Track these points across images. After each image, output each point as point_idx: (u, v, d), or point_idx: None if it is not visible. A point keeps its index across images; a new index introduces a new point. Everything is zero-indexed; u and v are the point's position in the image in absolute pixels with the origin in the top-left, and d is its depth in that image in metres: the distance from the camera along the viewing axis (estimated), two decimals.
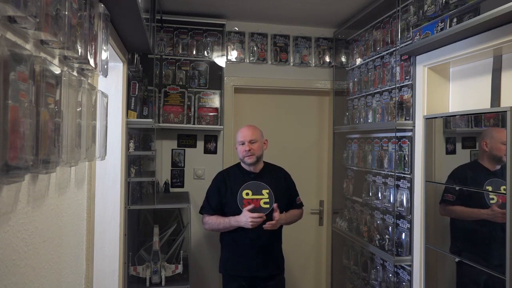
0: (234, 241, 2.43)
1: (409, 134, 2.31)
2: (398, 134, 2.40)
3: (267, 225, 2.30)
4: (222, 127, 3.13)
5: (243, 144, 2.43)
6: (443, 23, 1.94)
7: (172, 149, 3.16)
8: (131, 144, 2.34)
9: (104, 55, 1.38)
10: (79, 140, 1.11)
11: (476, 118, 1.81)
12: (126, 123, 2.26)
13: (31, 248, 0.91)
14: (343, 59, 3.29)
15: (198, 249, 3.12)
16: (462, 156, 1.93)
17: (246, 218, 2.28)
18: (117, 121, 2.14)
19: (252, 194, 2.41)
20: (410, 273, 2.28)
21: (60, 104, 0.95)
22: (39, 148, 0.83)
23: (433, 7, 1.98)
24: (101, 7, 1.36)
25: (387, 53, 2.60)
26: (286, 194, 2.50)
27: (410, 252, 2.28)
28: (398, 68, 2.44)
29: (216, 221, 2.39)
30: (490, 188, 1.70)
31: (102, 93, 1.43)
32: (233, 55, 3.22)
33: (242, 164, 2.50)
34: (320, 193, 3.49)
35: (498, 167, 1.66)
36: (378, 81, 2.71)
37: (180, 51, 3.13)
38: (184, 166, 3.17)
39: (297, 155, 3.42)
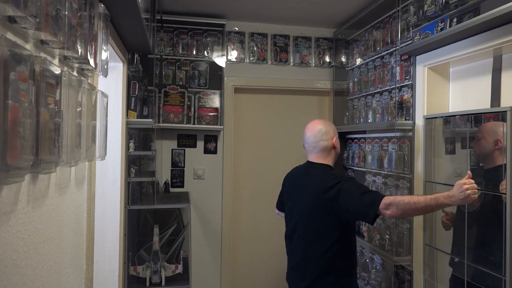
0: (355, 256, 2.01)
1: (409, 134, 2.31)
2: (398, 134, 2.40)
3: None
4: (222, 127, 3.13)
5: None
6: (443, 23, 1.94)
7: (172, 149, 3.16)
8: (131, 144, 2.33)
9: (104, 55, 1.38)
10: (79, 140, 1.11)
11: (476, 118, 1.81)
12: (126, 123, 2.26)
13: (31, 248, 0.91)
14: (343, 59, 3.29)
15: (198, 249, 3.12)
16: (462, 156, 1.93)
17: (461, 189, 1.64)
18: (117, 121, 2.14)
19: None
20: (410, 273, 2.28)
21: (60, 104, 0.95)
22: (39, 148, 0.83)
23: (433, 7, 1.98)
24: (101, 7, 1.36)
25: (387, 53, 2.60)
26: None
27: (410, 252, 2.28)
28: (398, 68, 2.44)
29: (412, 200, 1.73)
30: None
31: (102, 93, 1.43)
32: (233, 55, 3.22)
33: (331, 164, 2.03)
34: None
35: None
36: (378, 81, 2.71)
37: (180, 51, 3.13)
38: (184, 166, 3.17)
39: (297, 155, 3.42)
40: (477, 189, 1.66)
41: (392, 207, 1.72)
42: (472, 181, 1.68)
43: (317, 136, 1.98)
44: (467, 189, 1.64)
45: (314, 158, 2.01)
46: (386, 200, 1.73)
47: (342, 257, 1.90)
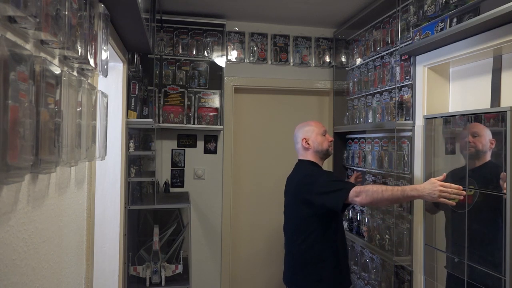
0: (338, 250, 2.02)
1: (409, 134, 2.31)
2: (398, 134, 2.40)
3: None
4: (222, 127, 3.14)
5: (325, 134, 2.14)
6: (443, 23, 1.94)
7: (172, 149, 3.16)
8: (131, 144, 2.34)
9: (104, 55, 1.38)
10: (79, 140, 1.11)
11: (476, 118, 1.81)
12: (126, 123, 2.26)
13: (31, 248, 0.91)
14: (343, 59, 3.29)
15: (198, 249, 3.12)
16: (462, 156, 1.93)
17: (433, 188, 1.69)
18: (117, 121, 2.14)
19: None
20: (410, 273, 2.28)
21: (60, 104, 0.95)
22: (39, 148, 0.83)
23: (433, 7, 1.98)
24: (101, 7, 1.36)
25: (387, 53, 2.60)
26: None
27: (410, 252, 2.28)
28: (398, 68, 2.44)
29: (380, 188, 1.79)
30: None
31: (102, 93, 1.43)
32: (233, 55, 3.22)
33: (314, 160, 2.12)
34: None
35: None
36: (378, 81, 2.71)
37: (180, 51, 3.13)
38: (184, 166, 3.17)
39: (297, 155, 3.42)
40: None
41: (362, 194, 1.80)
42: (454, 186, 1.70)
43: (294, 139, 2.25)
44: (441, 191, 1.69)
45: (299, 156, 2.23)
46: (356, 188, 1.83)
47: (317, 250, 1.95)
